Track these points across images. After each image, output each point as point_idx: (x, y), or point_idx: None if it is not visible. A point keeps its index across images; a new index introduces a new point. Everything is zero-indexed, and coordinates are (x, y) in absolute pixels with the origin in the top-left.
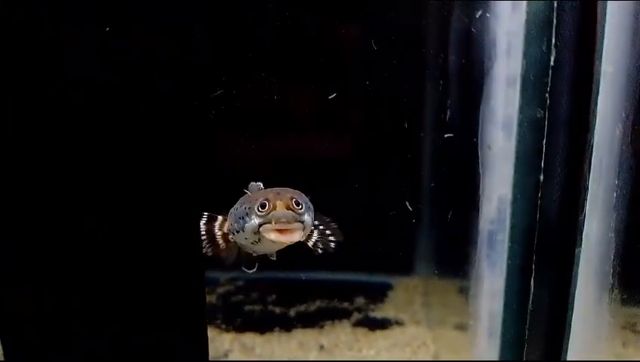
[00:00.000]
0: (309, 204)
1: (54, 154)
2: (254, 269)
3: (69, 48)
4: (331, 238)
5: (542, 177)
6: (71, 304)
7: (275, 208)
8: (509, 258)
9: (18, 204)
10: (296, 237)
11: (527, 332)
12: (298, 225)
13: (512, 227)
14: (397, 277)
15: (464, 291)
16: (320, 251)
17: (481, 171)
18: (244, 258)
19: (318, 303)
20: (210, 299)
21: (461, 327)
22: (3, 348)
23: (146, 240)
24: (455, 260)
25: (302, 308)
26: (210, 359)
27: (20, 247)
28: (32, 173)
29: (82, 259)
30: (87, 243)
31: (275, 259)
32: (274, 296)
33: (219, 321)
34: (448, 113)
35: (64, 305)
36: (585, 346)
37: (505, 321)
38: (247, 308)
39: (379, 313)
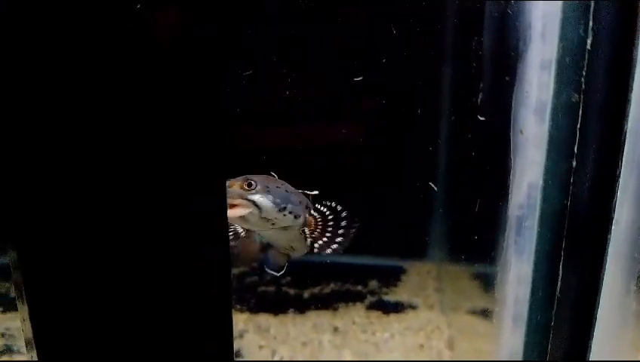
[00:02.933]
0: (281, 191)
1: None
2: (282, 272)
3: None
4: (335, 245)
5: (574, 163)
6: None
7: (229, 187)
8: (538, 244)
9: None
10: (238, 212)
11: (553, 318)
12: (242, 202)
13: (542, 213)
14: (410, 261)
15: (484, 277)
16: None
17: (512, 156)
18: (273, 259)
19: (332, 286)
20: None
21: (474, 312)
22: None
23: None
24: (482, 246)
25: (316, 290)
26: None
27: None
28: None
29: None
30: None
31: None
32: (288, 278)
33: (233, 302)
34: (480, 96)
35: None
36: (611, 334)
37: (531, 307)
38: (262, 289)
39: (392, 296)
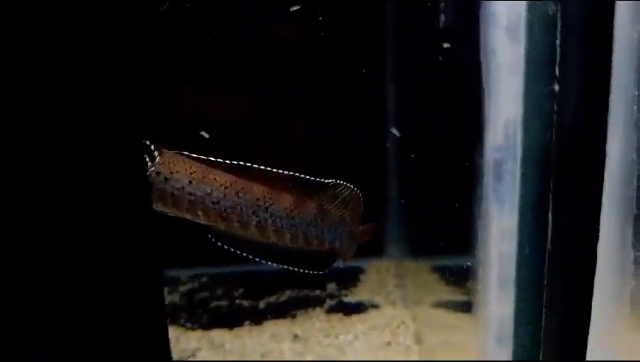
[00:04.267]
0: None
1: None
2: None
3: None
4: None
5: (557, 88)
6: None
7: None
8: (522, 190)
9: None
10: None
11: (545, 275)
12: None
13: (524, 152)
14: (368, 260)
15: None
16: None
17: (485, 88)
18: None
19: (288, 293)
20: (173, 298)
21: (439, 305)
22: None
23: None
24: (455, 202)
25: (272, 299)
26: (176, 359)
27: None
28: None
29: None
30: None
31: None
32: (241, 290)
33: (183, 320)
34: (442, 18)
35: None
36: (607, 286)
37: (519, 266)
38: (214, 304)
39: (352, 297)
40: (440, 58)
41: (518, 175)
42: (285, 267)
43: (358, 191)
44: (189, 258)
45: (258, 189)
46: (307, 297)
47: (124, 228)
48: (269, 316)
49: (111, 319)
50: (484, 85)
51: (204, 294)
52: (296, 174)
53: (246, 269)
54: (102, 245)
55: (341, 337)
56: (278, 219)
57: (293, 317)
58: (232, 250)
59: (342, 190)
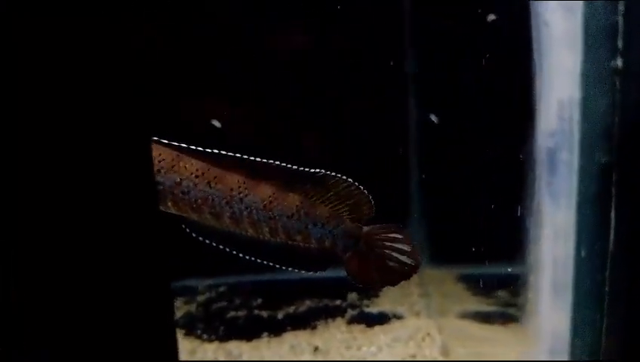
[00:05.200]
0: None
1: None
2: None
3: None
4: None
5: (619, 62)
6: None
7: None
8: (580, 183)
9: None
10: None
11: (607, 281)
12: None
13: (582, 138)
14: None
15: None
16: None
17: (536, 63)
18: None
19: (307, 303)
20: (189, 308)
21: (465, 316)
22: None
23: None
24: (502, 201)
25: (290, 309)
26: None
27: None
28: None
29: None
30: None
31: None
32: (259, 300)
33: (199, 331)
34: None
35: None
36: None
37: (578, 270)
38: (231, 314)
39: (374, 308)
40: (482, 31)
41: (575, 165)
42: (270, 264)
43: (360, 187)
44: (205, 267)
45: (232, 178)
46: (327, 307)
47: (128, 227)
48: (288, 327)
49: (115, 321)
50: (535, 61)
51: (221, 304)
52: (281, 164)
53: (264, 279)
54: (107, 245)
55: (364, 349)
56: (254, 210)
57: (313, 328)
58: (208, 242)
59: (334, 183)
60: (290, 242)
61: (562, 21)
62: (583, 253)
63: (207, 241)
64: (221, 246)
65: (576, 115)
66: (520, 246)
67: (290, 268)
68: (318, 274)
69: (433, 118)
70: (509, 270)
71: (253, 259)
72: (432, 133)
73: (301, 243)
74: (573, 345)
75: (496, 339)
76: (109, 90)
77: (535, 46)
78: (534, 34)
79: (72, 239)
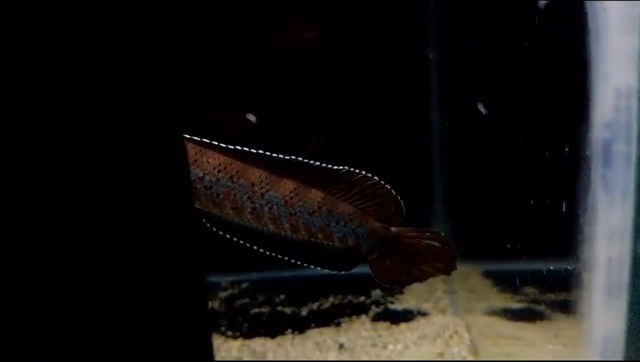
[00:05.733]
0: None
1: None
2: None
3: None
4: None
5: None
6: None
7: None
8: (638, 177)
9: None
10: None
11: None
12: None
13: None
14: None
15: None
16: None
17: (590, 49)
18: None
19: (331, 299)
20: (213, 304)
21: (493, 313)
22: None
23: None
24: (547, 188)
25: (314, 306)
26: None
27: None
28: None
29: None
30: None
31: None
32: (282, 296)
33: (224, 328)
34: None
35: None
36: None
37: (634, 268)
38: (254, 311)
39: (399, 305)
40: (534, 16)
41: (632, 158)
42: (293, 261)
43: (387, 185)
44: (227, 264)
45: (254, 174)
46: (351, 304)
47: (165, 226)
48: (312, 324)
49: (149, 318)
50: (591, 47)
51: (244, 301)
52: (303, 160)
53: (287, 275)
54: (142, 243)
55: (390, 347)
56: (275, 206)
57: (338, 325)
58: (229, 236)
59: (358, 179)
60: (312, 239)
61: (620, 5)
62: (639, 252)
63: (229, 236)
64: (242, 242)
65: (634, 105)
66: (564, 243)
67: (313, 266)
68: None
69: (481, 107)
70: (551, 268)
71: (275, 255)
72: (467, 124)
73: (323, 241)
74: (628, 349)
75: (528, 338)
76: (140, 89)
77: (591, 31)
78: (590, 18)
79: (106, 238)
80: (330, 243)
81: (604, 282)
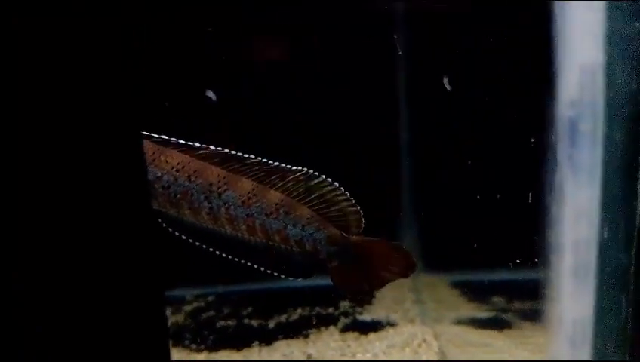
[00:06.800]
0: None
1: None
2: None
3: None
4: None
5: None
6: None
7: None
8: (606, 155)
9: None
10: None
11: (633, 262)
12: None
13: (608, 106)
14: None
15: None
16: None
17: (555, 25)
18: None
19: (299, 311)
20: (177, 318)
21: (461, 322)
22: None
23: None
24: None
25: (282, 318)
26: None
27: None
28: None
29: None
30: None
31: None
32: (249, 309)
33: (187, 341)
34: None
35: None
36: None
37: (602, 252)
38: (220, 324)
39: (367, 315)
40: None
41: (599, 137)
42: (249, 265)
43: (347, 193)
44: (193, 276)
45: (213, 173)
46: (319, 315)
47: (123, 227)
48: (280, 336)
49: (108, 329)
50: (556, 23)
51: (209, 314)
52: (263, 159)
53: (253, 288)
54: (100, 253)
55: (359, 357)
56: (232, 206)
57: (306, 336)
58: (185, 237)
59: (318, 184)
60: (269, 242)
61: None
62: (606, 233)
63: (185, 237)
64: (198, 243)
65: (599, 82)
66: (531, 253)
67: (269, 272)
68: (309, 281)
69: (446, 83)
70: (518, 277)
71: (231, 258)
72: (428, 120)
73: (281, 245)
74: (596, 332)
75: (495, 345)
76: (99, 90)
77: (556, 8)
78: None
79: (63, 247)
80: (288, 246)
81: (572, 265)
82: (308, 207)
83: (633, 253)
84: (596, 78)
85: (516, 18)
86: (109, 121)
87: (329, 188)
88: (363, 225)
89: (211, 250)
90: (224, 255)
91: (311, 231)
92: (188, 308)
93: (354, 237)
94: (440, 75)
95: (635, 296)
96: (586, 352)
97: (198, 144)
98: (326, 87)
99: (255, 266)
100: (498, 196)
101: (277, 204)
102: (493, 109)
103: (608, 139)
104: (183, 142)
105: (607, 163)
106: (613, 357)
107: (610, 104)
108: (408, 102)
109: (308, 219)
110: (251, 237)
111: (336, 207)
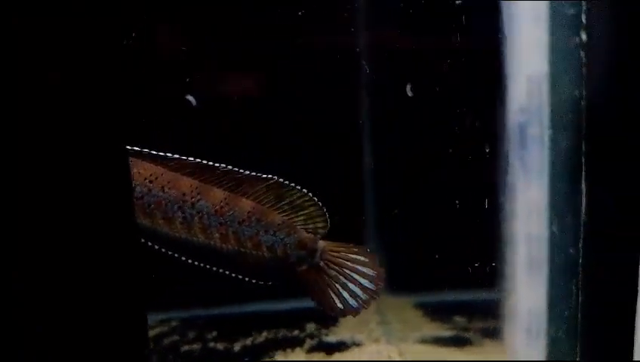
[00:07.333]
0: None
1: None
2: None
3: None
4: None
5: (584, 38)
6: None
7: None
8: (552, 156)
9: None
10: None
11: (581, 252)
12: None
13: (553, 112)
14: None
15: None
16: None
17: (503, 33)
18: None
19: (265, 334)
20: None
21: (424, 341)
22: None
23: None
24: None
25: (248, 341)
26: None
27: None
28: None
29: None
30: None
31: None
32: (214, 333)
33: None
34: None
35: None
36: None
37: (552, 247)
38: (185, 348)
39: (333, 337)
40: (449, 11)
41: (545, 140)
42: (221, 271)
43: (314, 198)
44: (157, 301)
45: (186, 183)
46: (285, 338)
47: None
48: (246, 359)
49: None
50: (505, 38)
51: (174, 338)
52: (233, 168)
53: (218, 312)
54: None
55: None
56: (205, 215)
57: (272, 359)
58: (157, 247)
59: (288, 191)
60: (241, 249)
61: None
62: (554, 228)
63: (157, 247)
64: (170, 252)
65: (544, 90)
66: (490, 272)
67: (240, 276)
68: (275, 305)
69: (409, 90)
70: (478, 297)
71: (202, 265)
72: (388, 133)
73: (252, 251)
74: (550, 321)
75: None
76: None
77: (504, 23)
78: (504, 10)
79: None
80: (260, 252)
81: (525, 258)
82: (278, 213)
83: (580, 245)
84: (542, 87)
85: (470, 35)
86: (98, 130)
87: (298, 194)
88: (328, 227)
89: (183, 258)
90: (196, 263)
91: (282, 236)
92: (151, 333)
93: (324, 242)
94: (400, 85)
95: (583, 285)
96: (541, 339)
97: (170, 155)
98: (290, 94)
99: (226, 272)
100: (457, 204)
101: (249, 212)
102: (450, 119)
103: (554, 142)
104: (155, 153)
105: (554, 164)
106: (565, 343)
107: (555, 110)
108: (371, 116)
109: (279, 224)
110: (223, 245)
111: (305, 212)
